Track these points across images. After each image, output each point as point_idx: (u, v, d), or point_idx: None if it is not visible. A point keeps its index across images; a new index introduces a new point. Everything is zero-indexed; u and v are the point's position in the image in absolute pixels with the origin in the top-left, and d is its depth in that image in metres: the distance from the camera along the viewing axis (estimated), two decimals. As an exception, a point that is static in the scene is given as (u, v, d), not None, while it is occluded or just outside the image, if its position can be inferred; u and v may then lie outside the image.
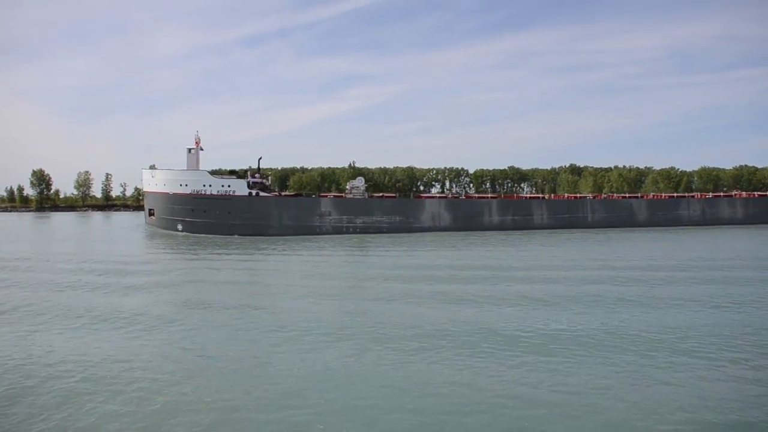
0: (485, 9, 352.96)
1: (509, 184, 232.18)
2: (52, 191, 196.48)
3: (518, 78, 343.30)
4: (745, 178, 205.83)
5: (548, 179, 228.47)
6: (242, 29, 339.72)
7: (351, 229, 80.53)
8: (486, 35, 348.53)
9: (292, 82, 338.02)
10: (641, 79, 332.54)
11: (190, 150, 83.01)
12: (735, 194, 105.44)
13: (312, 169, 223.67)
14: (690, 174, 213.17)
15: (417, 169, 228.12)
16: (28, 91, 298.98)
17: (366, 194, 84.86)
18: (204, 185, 78.85)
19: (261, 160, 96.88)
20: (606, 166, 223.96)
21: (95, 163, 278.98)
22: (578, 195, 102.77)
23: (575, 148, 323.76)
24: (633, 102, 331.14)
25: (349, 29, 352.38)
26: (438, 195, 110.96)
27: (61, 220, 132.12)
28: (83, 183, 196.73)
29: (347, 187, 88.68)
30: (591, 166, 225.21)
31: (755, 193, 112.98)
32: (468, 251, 51.43)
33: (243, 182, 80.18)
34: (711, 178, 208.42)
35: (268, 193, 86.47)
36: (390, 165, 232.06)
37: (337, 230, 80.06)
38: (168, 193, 79.79)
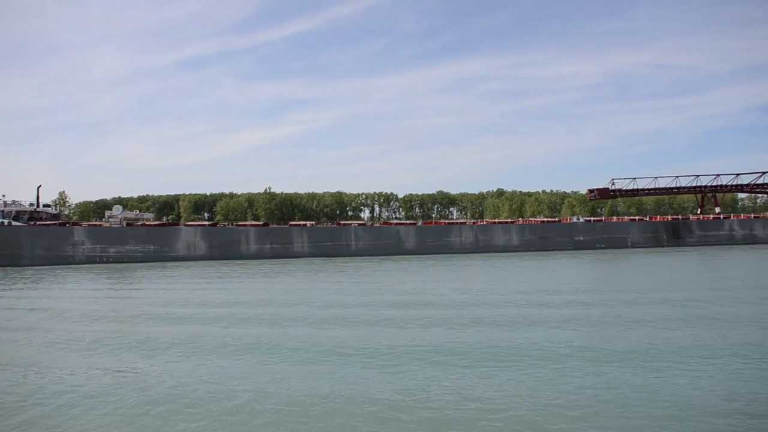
0: (427, 35, 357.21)
1: (438, 209, 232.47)
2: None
3: (460, 104, 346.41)
4: (666, 202, 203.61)
5: (476, 203, 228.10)
6: (182, 52, 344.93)
7: (104, 259, 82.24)
8: (428, 61, 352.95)
9: (234, 107, 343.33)
10: (581, 105, 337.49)
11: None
12: (512, 221, 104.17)
13: (240, 195, 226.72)
14: (617, 199, 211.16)
15: (345, 194, 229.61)
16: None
17: (124, 223, 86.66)
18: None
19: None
20: (534, 190, 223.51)
21: (25, 191, 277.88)
22: (343, 222, 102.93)
23: (513, 173, 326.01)
24: (573, 127, 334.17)
25: (291, 54, 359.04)
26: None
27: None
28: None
29: (105, 215, 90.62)
30: (519, 190, 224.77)
31: (536, 219, 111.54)
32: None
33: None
34: (634, 203, 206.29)
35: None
36: (327, 190, 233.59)
37: (91, 260, 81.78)
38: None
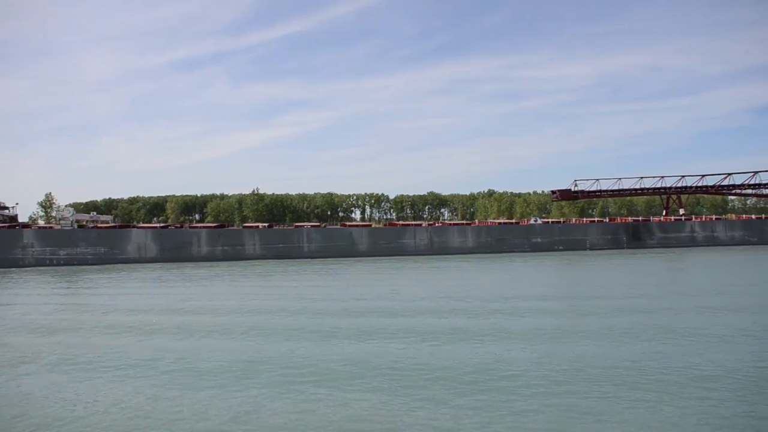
0: (422, 36, 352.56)
1: (429, 209, 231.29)
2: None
3: (455, 105, 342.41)
4: (658, 203, 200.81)
5: (467, 204, 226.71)
6: (175, 53, 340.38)
7: (54, 261, 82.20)
8: (422, 62, 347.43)
9: (227, 108, 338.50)
10: (576, 106, 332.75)
11: None
12: (468, 223, 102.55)
13: (231, 196, 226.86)
14: (606, 199, 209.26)
15: (336, 195, 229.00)
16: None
17: (75, 225, 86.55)
18: None
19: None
20: (525, 191, 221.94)
21: (18, 194, 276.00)
22: (296, 224, 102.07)
23: (508, 174, 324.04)
24: (568, 129, 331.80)
25: (285, 54, 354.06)
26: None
27: None
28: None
29: (56, 217, 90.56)
30: (510, 191, 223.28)
31: (493, 221, 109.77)
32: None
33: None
34: (625, 203, 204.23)
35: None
36: (319, 191, 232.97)
37: (41, 262, 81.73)
38: None
